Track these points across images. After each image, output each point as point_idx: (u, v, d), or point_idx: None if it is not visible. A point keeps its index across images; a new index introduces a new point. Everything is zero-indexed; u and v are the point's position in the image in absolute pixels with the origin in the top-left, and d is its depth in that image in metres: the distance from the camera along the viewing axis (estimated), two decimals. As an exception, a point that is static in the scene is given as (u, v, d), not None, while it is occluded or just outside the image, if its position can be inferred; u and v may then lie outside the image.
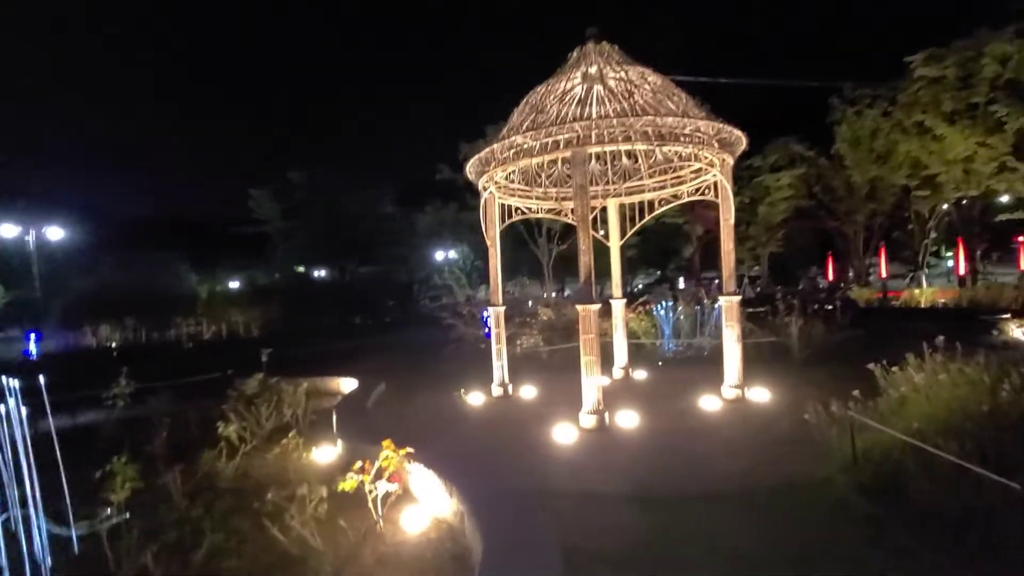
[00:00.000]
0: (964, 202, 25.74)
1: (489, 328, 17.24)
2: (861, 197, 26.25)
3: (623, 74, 8.09)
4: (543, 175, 10.74)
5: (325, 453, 6.97)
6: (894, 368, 6.62)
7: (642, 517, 4.63)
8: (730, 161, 8.42)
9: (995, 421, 4.73)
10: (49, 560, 4.14)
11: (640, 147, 7.65)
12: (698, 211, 23.69)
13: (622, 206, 11.20)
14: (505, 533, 3.62)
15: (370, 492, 4.81)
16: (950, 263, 42.72)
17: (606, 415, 7.32)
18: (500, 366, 9.77)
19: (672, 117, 7.37)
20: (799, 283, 28.47)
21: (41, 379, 4.47)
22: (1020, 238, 31.00)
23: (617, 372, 10.72)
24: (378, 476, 4.86)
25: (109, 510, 5.15)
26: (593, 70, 8.30)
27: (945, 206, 27.11)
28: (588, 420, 7.25)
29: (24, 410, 4.24)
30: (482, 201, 9.67)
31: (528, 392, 9.69)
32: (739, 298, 8.70)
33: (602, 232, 11.35)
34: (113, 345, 21.92)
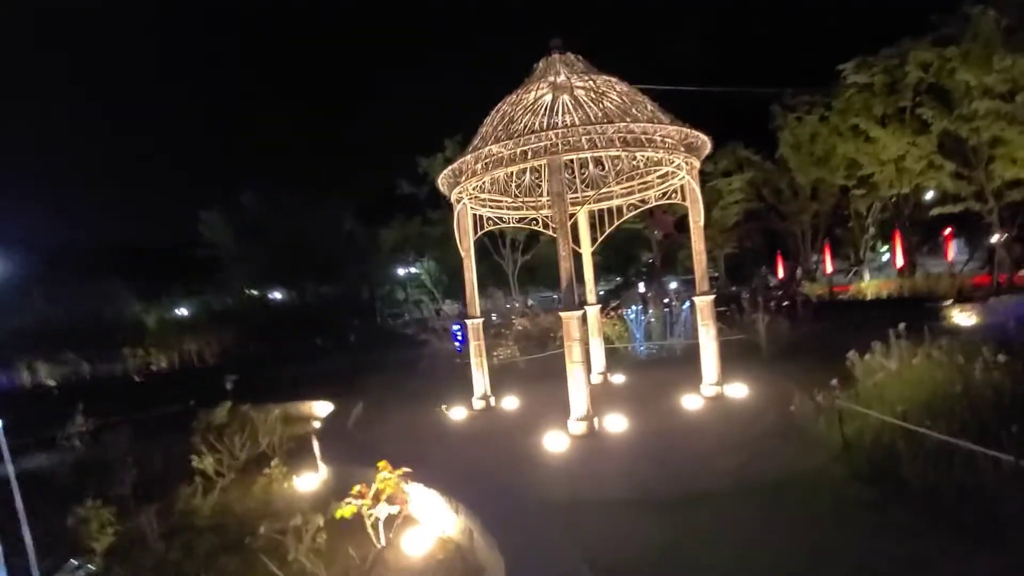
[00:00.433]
0: (893, 200, 27.54)
1: (460, 341, 17.09)
2: (805, 198, 27.60)
3: (591, 83, 8.21)
4: (513, 184, 10.74)
5: (308, 481, 6.65)
6: (866, 356, 6.93)
7: (652, 521, 4.61)
8: (697, 165, 8.66)
9: (971, 400, 4.96)
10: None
11: (614, 153, 7.77)
12: (657, 216, 24.28)
13: (591, 213, 11.33)
14: (524, 548, 3.50)
15: (369, 517, 4.60)
16: (885, 257, 45.48)
17: (595, 420, 7.30)
18: (481, 378, 9.62)
19: (643, 123, 7.52)
20: (751, 282, 29.58)
21: (-1, 422, 4.08)
22: (947, 231, 33.39)
23: (596, 377, 10.75)
24: (375, 499, 4.65)
25: (75, 561, 4.73)
26: (561, 79, 8.40)
27: (877, 204, 28.93)
28: (578, 427, 7.21)
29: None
30: (455, 213, 9.57)
31: (511, 403, 9.58)
32: (713, 297, 8.90)
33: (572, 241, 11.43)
34: (53, 383, 20.41)
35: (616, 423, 7.43)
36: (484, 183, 9.98)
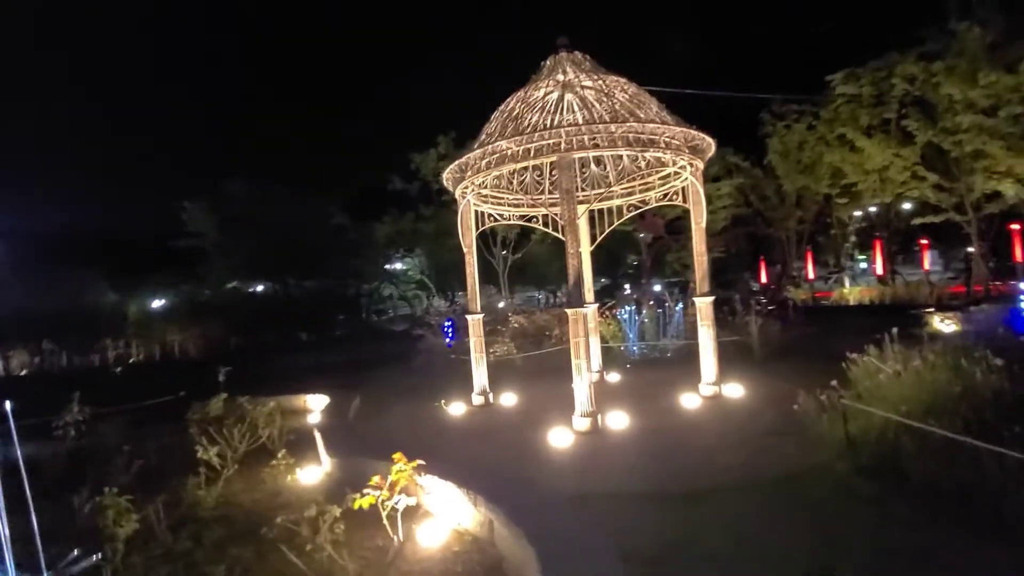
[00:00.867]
0: (873, 209, 28.21)
1: (451, 338, 17.06)
2: (791, 205, 28.12)
3: (601, 83, 8.27)
4: (515, 181, 10.77)
5: (312, 473, 6.59)
6: (864, 358, 7.11)
7: (667, 513, 4.67)
8: (701, 166, 8.79)
9: (972, 400, 5.13)
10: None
11: (624, 152, 7.83)
12: (648, 219, 24.51)
13: (590, 212, 11.40)
14: (553, 537, 3.53)
15: (385, 508, 4.58)
16: (862, 265, 46.65)
17: (599, 417, 7.37)
18: (480, 374, 9.63)
19: (652, 123, 7.61)
20: (736, 287, 30.07)
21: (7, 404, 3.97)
22: (923, 242, 34.37)
23: (593, 375, 10.81)
24: (392, 490, 4.64)
25: (76, 551, 4.63)
26: (570, 78, 8.45)
27: (858, 212, 29.63)
28: (582, 423, 7.27)
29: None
30: (460, 208, 9.56)
31: (509, 399, 9.61)
32: (713, 298, 9.04)
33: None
34: (24, 372, 19.83)
35: (618, 420, 7.51)
36: (487, 180, 9.98)
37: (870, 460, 5.12)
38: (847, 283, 30.26)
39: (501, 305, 20.05)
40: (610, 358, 12.49)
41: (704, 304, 8.97)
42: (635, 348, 13.39)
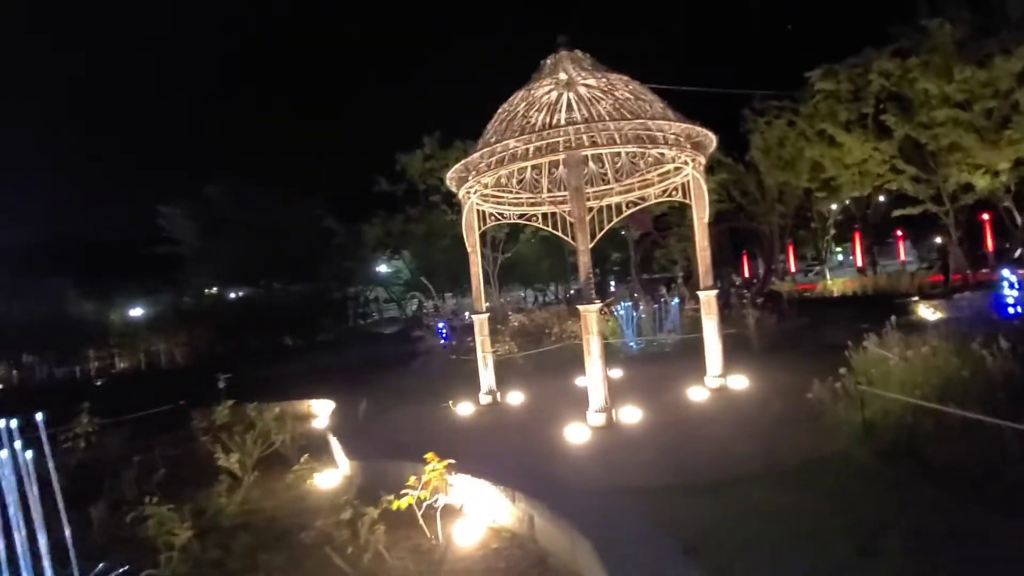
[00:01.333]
0: (848, 202, 28.92)
1: (446, 338, 17.01)
2: (773, 199, 28.66)
3: (604, 80, 8.34)
4: (515, 181, 10.78)
5: (330, 477, 6.53)
6: (867, 345, 7.31)
7: (698, 505, 4.73)
8: (703, 161, 8.92)
9: (983, 383, 5.32)
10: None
11: (632, 149, 7.91)
12: (636, 216, 24.71)
13: (590, 210, 11.45)
14: (607, 531, 3.56)
15: (420, 507, 4.57)
16: (840, 257, 47.75)
17: (613, 412, 7.43)
18: (487, 374, 9.63)
19: (658, 120, 7.70)
20: (720, 281, 30.56)
21: (39, 416, 3.87)
22: (898, 233, 35.38)
23: (596, 372, 10.90)
24: (429, 490, 4.63)
25: (101, 564, 4.53)
26: (573, 76, 8.49)
27: (834, 206, 30.37)
28: (597, 418, 7.32)
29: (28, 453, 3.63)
30: (464, 209, 9.55)
31: (516, 398, 9.62)
32: (716, 292, 9.18)
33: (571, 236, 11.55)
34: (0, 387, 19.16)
35: (632, 415, 7.59)
36: (491, 180, 9.97)
37: (889, 445, 5.26)
38: (827, 275, 30.96)
39: (488, 305, 20.06)
40: (610, 354, 12.52)
41: (707, 297, 9.10)
42: (633, 344, 13.52)
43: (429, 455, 4.88)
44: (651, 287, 22.64)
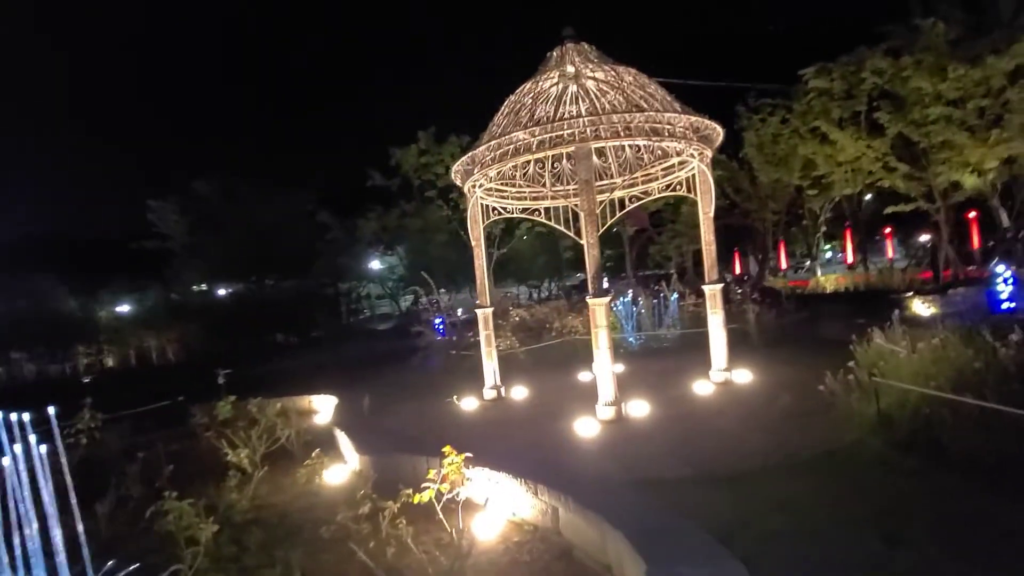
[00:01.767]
0: (837, 199, 29.17)
1: (442, 334, 16.91)
2: (767, 196, 28.88)
3: (613, 73, 8.29)
4: (519, 174, 10.72)
5: (339, 472, 6.44)
6: (874, 339, 7.36)
7: (719, 495, 4.73)
8: (710, 154, 8.91)
9: (995, 374, 5.36)
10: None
11: (640, 142, 7.88)
12: (633, 213, 24.76)
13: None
14: (637, 522, 3.53)
15: (439, 501, 4.51)
16: (828, 254, 48.22)
17: (622, 406, 7.41)
18: (491, 369, 9.57)
19: (668, 112, 7.68)
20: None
21: (51, 410, 3.75)
22: (886, 231, 35.79)
23: (599, 366, 10.89)
24: (450, 484, 4.57)
25: (112, 562, 4.42)
26: (580, 68, 8.44)
27: (826, 204, 30.65)
28: (607, 412, 7.29)
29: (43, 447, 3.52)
30: (469, 203, 9.47)
31: (520, 392, 9.58)
32: (721, 286, 9.20)
33: (574, 231, 11.52)
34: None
35: (640, 408, 7.57)
36: (496, 173, 9.90)
37: (905, 435, 5.29)
38: (819, 271, 31.27)
39: (503, 298, 20.04)
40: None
41: (713, 291, 9.12)
42: (633, 339, 13.53)
43: (447, 448, 4.81)
44: (646, 283, 22.69)
